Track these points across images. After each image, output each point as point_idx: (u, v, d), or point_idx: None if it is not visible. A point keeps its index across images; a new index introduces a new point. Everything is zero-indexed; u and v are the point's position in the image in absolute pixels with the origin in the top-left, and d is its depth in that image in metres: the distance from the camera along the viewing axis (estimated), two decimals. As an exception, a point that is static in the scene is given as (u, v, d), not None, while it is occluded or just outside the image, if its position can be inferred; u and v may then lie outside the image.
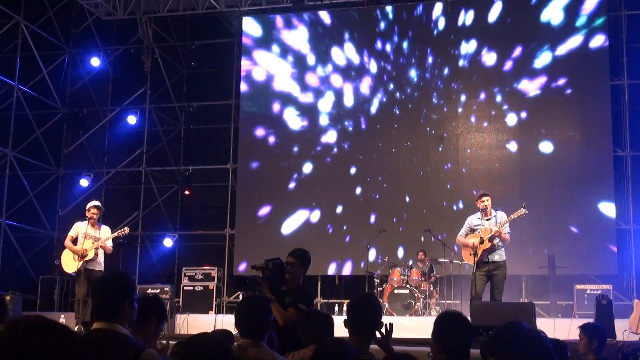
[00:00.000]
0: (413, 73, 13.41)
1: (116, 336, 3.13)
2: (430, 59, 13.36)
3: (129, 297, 3.28)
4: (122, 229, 10.06)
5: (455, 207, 12.56)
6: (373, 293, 10.74)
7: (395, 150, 13.29)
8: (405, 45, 13.50)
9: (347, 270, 13.08)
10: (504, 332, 2.37)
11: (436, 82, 13.31)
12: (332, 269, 13.08)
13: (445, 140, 13.13)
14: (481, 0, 13.30)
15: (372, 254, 11.88)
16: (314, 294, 12.55)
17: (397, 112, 13.43)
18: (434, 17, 13.39)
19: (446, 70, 13.28)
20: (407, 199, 13.10)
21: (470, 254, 8.95)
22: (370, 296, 4.25)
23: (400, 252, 12.68)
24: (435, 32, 13.39)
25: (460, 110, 13.16)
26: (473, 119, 13.12)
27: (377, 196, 13.19)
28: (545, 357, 2.27)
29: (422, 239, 12.24)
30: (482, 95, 13.11)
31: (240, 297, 11.30)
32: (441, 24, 13.34)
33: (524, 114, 12.83)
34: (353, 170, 13.41)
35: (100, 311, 3.25)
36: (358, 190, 13.32)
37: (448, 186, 12.96)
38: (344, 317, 4.04)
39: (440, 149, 13.08)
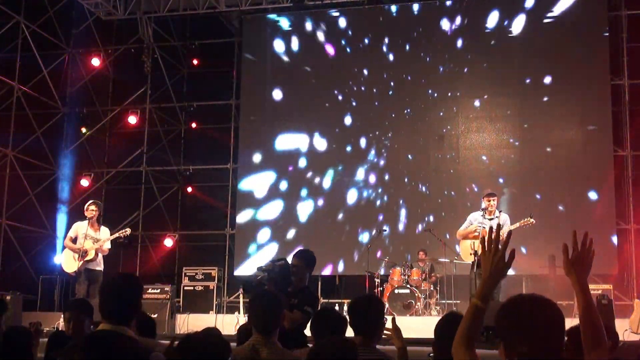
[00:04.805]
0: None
1: (125, 339, 3.11)
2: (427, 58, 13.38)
3: (140, 300, 3.28)
4: (123, 230, 10.08)
5: (457, 208, 12.53)
6: (374, 293, 10.71)
7: (395, 152, 13.31)
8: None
9: (347, 270, 13.07)
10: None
11: (436, 85, 13.34)
12: (332, 269, 13.08)
13: (446, 139, 13.15)
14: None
15: (372, 254, 11.87)
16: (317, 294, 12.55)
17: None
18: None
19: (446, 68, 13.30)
20: (408, 199, 13.09)
21: (470, 254, 8.95)
22: (371, 297, 4.25)
23: (401, 252, 12.66)
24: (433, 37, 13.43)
25: (460, 110, 13.18)
26: (473, 120, 13.15)
27: (378, 196, 13.19)
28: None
29: (423, 238, 12.22)
30: (485, 95, 13.14)
31: (241, 297, 11.29)
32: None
33: (524, 114, 12.85)
34: (352, 169, 13.43)
35: (109, 313, 3.18)
36: (359, 190, 13.31)
37: (449, 186, 12.98)
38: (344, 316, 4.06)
39: (444, 141, 13.13)
